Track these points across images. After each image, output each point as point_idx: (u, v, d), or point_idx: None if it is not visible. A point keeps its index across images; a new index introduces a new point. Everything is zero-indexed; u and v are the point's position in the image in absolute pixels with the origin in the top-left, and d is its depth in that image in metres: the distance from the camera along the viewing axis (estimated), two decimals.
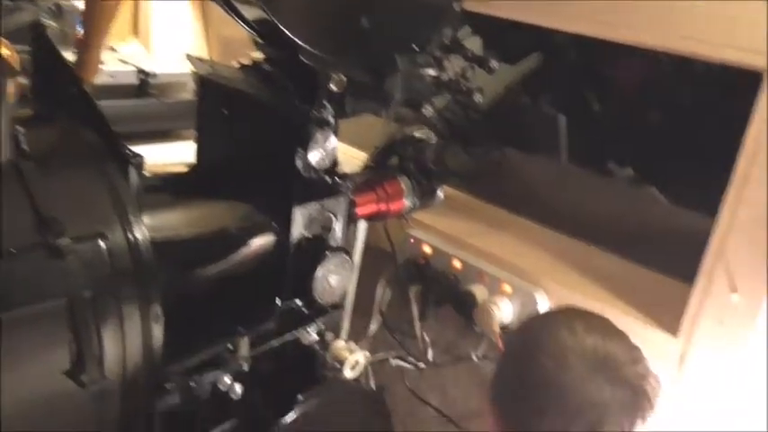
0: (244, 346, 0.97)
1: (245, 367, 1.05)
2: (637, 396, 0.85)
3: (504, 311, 1.33)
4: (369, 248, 1.52)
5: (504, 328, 1.34)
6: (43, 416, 0.72)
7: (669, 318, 1.20)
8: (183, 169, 1.07)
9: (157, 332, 0.78)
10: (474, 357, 1.45)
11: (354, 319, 1.61)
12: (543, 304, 1.32)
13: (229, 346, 0.96)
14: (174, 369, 0.85)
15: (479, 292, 1.37)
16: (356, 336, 1.58)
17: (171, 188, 0.95)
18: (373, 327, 1.61)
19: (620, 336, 0.91)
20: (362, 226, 1.41)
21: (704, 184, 1.24)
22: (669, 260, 1.34)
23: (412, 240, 1.50)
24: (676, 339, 1.17)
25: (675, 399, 1.16)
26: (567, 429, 0.85)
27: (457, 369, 1.55)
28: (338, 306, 1.13)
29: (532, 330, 0.95)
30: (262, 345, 1.03)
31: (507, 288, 1.35)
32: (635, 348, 0.89)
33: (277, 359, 1.19)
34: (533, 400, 0.87)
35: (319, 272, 1.05)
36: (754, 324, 1.09)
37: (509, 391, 0.93)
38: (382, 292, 1.58)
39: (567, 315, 0.95)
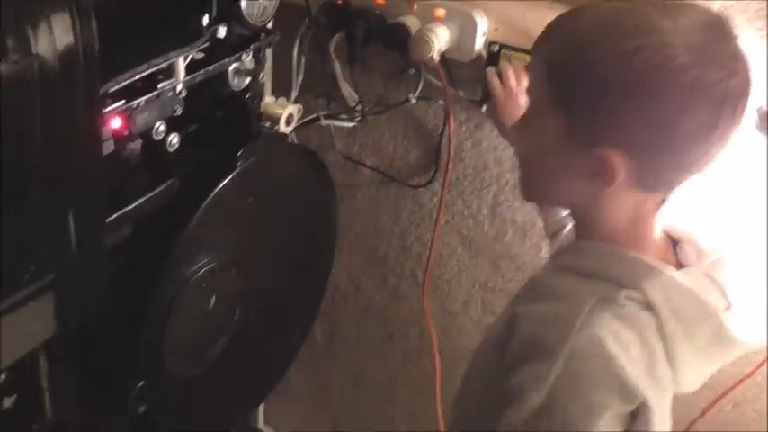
0: (180, 70, 0.82)
1: (179, 110, 0.92)
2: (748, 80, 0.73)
3: (442, 37, 1.22)
4: (279, 12, 1.34)
5: (443, 55, 1.24)
6: None
7: None
8: None
9: (88, 28, 0.63)
10: (412, 99, 1.36)
11: (275, 89, 1.46)
12: (483, 24, 1.22)
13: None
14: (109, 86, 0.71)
15: (411, 22, 1.25)
16: None
17: None
18: (295, 92, 1.47)
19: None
20: None
21: None
22: None
23: None
24: None
25: None
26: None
27: (392, 121, 1.46)
28: (269, 32, 0.99)
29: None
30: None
31: (441, 12, 1.23)
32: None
33: (212, 116, 1.06)
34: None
35: None
36: None
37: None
38: (299, 49, 1.42)
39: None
